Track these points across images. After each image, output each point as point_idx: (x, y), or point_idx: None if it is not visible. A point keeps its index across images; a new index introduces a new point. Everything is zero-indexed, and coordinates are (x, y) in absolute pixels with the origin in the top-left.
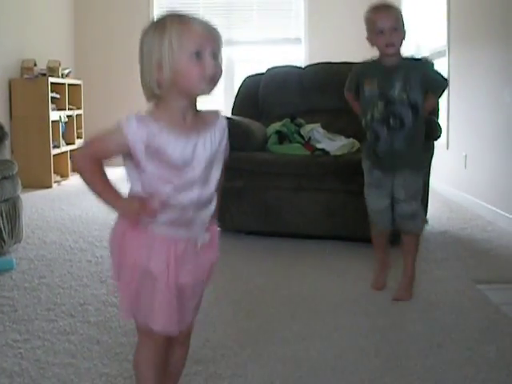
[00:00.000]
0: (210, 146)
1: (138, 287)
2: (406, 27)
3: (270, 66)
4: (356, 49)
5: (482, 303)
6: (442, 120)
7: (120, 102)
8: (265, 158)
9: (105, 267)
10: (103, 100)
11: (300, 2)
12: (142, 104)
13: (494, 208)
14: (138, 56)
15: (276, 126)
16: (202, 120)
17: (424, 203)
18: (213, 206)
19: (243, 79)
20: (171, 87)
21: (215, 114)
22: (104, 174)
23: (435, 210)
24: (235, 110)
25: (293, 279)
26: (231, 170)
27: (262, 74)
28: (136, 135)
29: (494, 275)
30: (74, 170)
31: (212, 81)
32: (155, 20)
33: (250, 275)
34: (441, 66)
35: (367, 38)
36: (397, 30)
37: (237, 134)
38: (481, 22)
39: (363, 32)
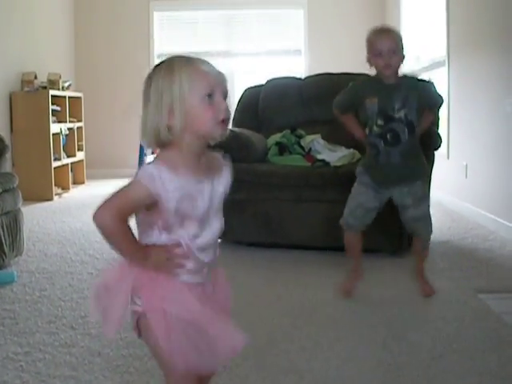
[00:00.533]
0: (221, 188)
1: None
2: (405, 51)
3: (269, 78)
4: (355, 60)
5: (484, 313)
6: (442, 130)
7: (120, 115)
8: (265, 170)
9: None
10: (104, 112)
11: (299, 13)
12: (139, 115)
13: (495, 217)
14: (141, 95)
15: (276, 137)
16: (211, 163)
17: None
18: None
19: (243, 91)
20: (182, 132)
21: (219, 158)
22: (131, 233)
23: (436, 220)
24: (235, 121)
25: (294, 290)
26: (232, 181)
27: (262, 85)
28: (167, 186)
29: (495, 284)
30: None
31: (225, 123)
32: (161, 63)
33: (251, 286)
34: (440, 76)
35: (367, 58)
36: (395, 52)
37: (237, 145)
38: (480, 32)
39: (362, 44)
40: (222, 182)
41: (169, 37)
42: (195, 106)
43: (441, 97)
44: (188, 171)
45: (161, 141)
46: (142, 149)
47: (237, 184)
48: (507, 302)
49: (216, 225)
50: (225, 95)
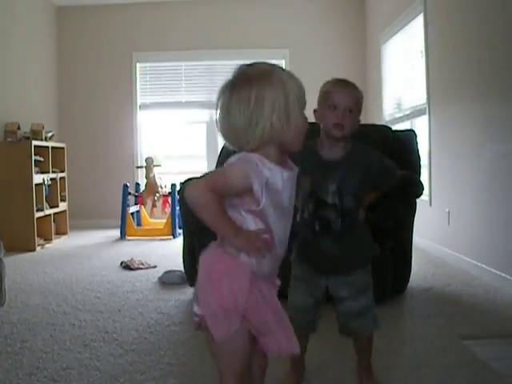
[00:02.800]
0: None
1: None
2: (361, 116)
3: None
4: None
5: (469, 359)
6: (424, 177)
7: (103, 165)
8: None
9: (88, 331)
10: (86, 163)
11: (281, 63)
12: (125, 166)
13: (478, 263)
14: (224, 107)
15: None
16: (287, 164)
17: (409, 260)
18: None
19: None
20: (282, 133)
21: (290, 161)
22: (224, 208)
23: (419, 267)
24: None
25: None
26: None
27: None
28: (266, 174)
29: (480, 330)
30: (186, 202)
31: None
32: (267, 72)
33: None
34: (421, 124)
35: (314, 112)
36: (352, 112)
37: None
38: (459, 80)
39: None
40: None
41: (151, 87)
42: (301, 117)
43: (395, 177)
44: (278, 166)
45: (264, 139)
46: (125, 189)
47: None
48: (493, 348)
49: (290, 221)
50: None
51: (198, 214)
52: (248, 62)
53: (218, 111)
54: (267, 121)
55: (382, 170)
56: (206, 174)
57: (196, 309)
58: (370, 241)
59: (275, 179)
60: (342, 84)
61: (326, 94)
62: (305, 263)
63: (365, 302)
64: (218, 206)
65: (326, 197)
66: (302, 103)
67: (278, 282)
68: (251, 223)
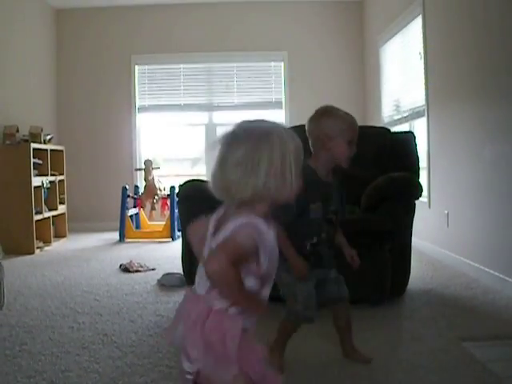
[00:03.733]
0: None
1: None
2: (360, 117)
3: None
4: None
5: (468, 361)
6: (423, 179)
7: (102, 167)
8: None
9: (87, 333)
10: (85, 165)
11: (280, 66)
12: (124, 169)
13: (477, 265)
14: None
15: None
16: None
17: (408, 262)
18: None
19: None
20: (269, 197)
21: None
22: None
23: (418, 269)
24: None
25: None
26: None
27: None
28: (265, 241)
29: (479, 332)
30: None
31: None
32: (267, 131)
33: None
34: (420, 126)
35: (324, 140)
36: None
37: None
38: (458, 81)
39: (344, 95)
40: None
41: (150, 90)
42: (293, 176)
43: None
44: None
45: (255, 197)
46: (124, 192)
47: None
48: (492, 350)
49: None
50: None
51: (224, 291)
52: (247, 64)
53: (215, 160)
54: (260, 180)
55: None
56: (221, 244)
57: (187, 366)
58: None
59: (272, 242)
60: (354, 121)
61: (348, 130)
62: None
63: (337, 273)
64: (240, 281)
65: (329, 216)
66: (299, 164)
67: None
68: (251, 282)
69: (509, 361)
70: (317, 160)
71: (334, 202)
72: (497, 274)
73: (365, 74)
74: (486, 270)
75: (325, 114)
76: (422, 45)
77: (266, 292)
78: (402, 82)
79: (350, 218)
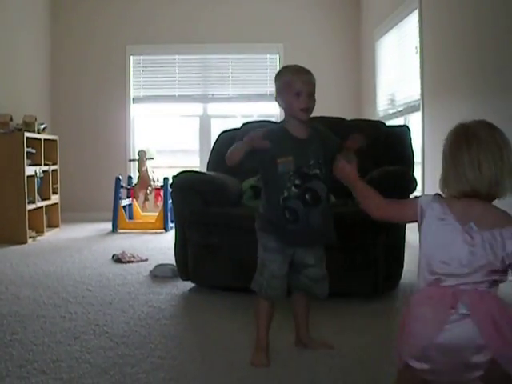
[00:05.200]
0: None
1: None
2: (355, 111)
3: (245, 122)
4: (330, 104)
5: None
6: (417, 173)
7: (96, 158)
8: (239, 213)
9: (79, 323)
10: (79, 155)
11: (275, 58)
12: (117, 159)
13: None
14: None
15: (251, 180)
16: None
17: (401, 256)
18: None
19: (218, 134)
20: None
21: None
22: None
23: (412, 264)
24: (210, 165)
25: (270, 335)
26: (206, 225)
27: (238, 129)
28: None
29: None
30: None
31: None
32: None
33: (226, 332)
34: (415, 120)
35: (276, 99)
36: (312, 96)
37: (211, 189)
38: (453, 77)
39: (339, 89)
40: None
41: (145, 81)
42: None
43: (337, 141)
44: None
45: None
46: (117, 182)
47: (211, 228)
48: None
49: None
50: None
51: None
52: (242, 56)
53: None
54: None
55: (333, 140)
56: None
57: (476, 358)
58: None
59: None
60: (303, 72)
61: (289, 84)
62: (277, 237)
63: (325, 270)
64: None
65: (309, 171)
66: None
67: None
68: None
69: None
70: (286, 120)
71: (312, 157)
72: None
73: (360, 67)
74: None
75: (277, 73)
76: (418, 39)
77: None
78: (398, 76)
79: (344, 210)
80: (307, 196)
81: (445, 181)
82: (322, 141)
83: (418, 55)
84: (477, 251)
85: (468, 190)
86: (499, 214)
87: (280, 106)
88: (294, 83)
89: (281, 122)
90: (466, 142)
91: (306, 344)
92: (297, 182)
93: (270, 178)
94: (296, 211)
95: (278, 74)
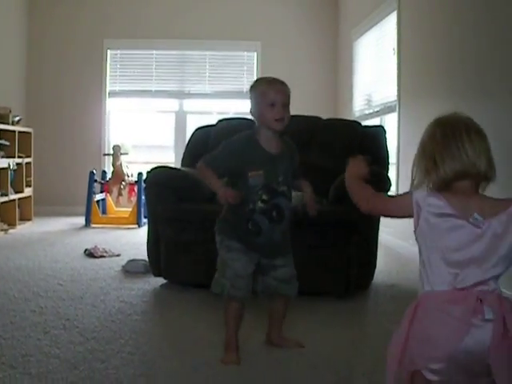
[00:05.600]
0: None
1: None
2: (332, 111)
3: (220, 118)
4: (307, 102)
5: None
6: (391, 173)
7: (70, 151)
8: (213, 210)
9: (49, 318)
10: (53, 149)
11: (253, 56)
12: (92, 153)
13: None
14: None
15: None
16: None
17: (374, 256)
18: None
19: (193, 131)
20: None
21: None
22: None
23: (384, 264)
24: (185, 161)
25: (240, 332)
26: (180, 221)
27: (213, 125)
28: None
29: None
30: None
31: None
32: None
33: (197, 329)
34: (391, 121)
35: (251, 110)
36: (287, 106)
37: (185, 185)
38: (430, 78)
39: (316, 88)
40: None
41: (122, 75)
42: None
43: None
44: None
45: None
46: (91, 177)
47: (185, 224)
48: None
49: None
50: None
51: None
52: (220, 53)
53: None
54: None
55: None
56: None
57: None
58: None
59: None
60: (277, 82)
61: (263, 94)
62: (236, 240)
63: (294, 269)
64: None
65: (277, 187)
66: None
67: None
68: None
69: None
70: (258, 131)
71: (281, 173)
72: None
73: (338, 67)
74: None
75: (251, 85)
76: (396, 40)
77: None
78: (375, 76)
79: (318, 209)
80: (274, 213)
81: (430, 170)
82: (291, 156)
83: (395, 56)
84: (487, 242)
85: (467, 166)
86: (496, 200)
87: (254, 116)
88: (268, 93)
89: (252, 130)
90: (464, 127)
91: (277, 344)
92: (264, 197)
93: (239, 188)
94: (260, 225)
95: (252, 85)
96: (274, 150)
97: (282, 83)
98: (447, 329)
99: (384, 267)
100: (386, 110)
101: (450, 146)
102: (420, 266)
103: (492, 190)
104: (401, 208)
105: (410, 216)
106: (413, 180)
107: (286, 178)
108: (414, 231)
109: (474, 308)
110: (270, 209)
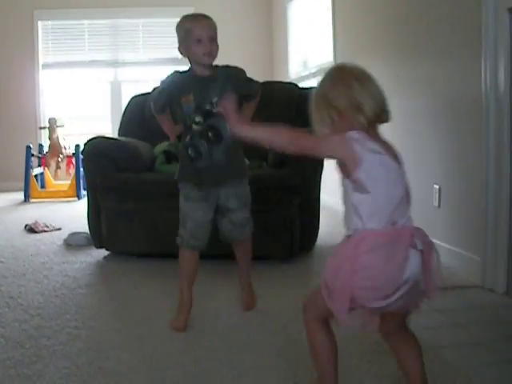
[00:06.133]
0: None
1: None
2: (268, 74)
3: (156, 86)
4: (244, 66)
5: None
6: None
7: (4, 126)
8: (153, 179)
9: None
10: None
11: None
12: (27, 127)
13: None
14: None
15: (164, 145)
16: None
17: (316, 218)
18: None
19: (129, 99)
20: None
21: None
22: None
23: (326, 225)
24: (122, 130)
25: (195, 301)
26: (120, 191)
27: (149, 93)
28: None
29: None
30: None
31: None
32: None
33: (142, 299)
34: None
35: (179, 48)
36: (214, 40)
37: (124, 155)
38: (365, 38)
39: (251, 51)
40: None
41: (54, 46)
42: None
43: (256, 82)
44: None
45: None
46: (28, 151)
47: (125, 194)
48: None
49: None
50: None
51: None
52: (153, 20)
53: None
54: None
55: (247, 80)
56: None
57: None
58: (245, 159)
59: None
60: (201, 18)
61: (189, 31)
62: (191, 183)
63: (248, 212)
64: None
65: (211, 107)
66: None
67: None
68: None
69: (439, 328)
70: (192, 68)
71: (215, 94)
72: None
73: (272, 29)
74: None
75: (177, 24)
76: (330, 1)
77: None
78: (310, 37)
79: (258, 172)
80: (210, 134)
81: (352, 113)
82: (230, 79)
83: (330, 16)
84: (403, 180)
85: (382, 108)
86: (386, 141)
87: (183, 55)
88: (193, 30)
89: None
90: (367, 73)
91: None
92: (197, 119)
93: (179, 119)
94: (199, 149)
95: (177, 23)
96: (206, 74)
97: (207, 17)
98: (392, 265)
99: (327, 228)
100: (322, 71)
101: (367, 89)
102: (350, 206)
103: None
104: (331, 149)
105: (332, 157)
106: (319, 126)
107: (222, 97)
108: (347, 174)
109: (410, 243)
110: (206, 130)
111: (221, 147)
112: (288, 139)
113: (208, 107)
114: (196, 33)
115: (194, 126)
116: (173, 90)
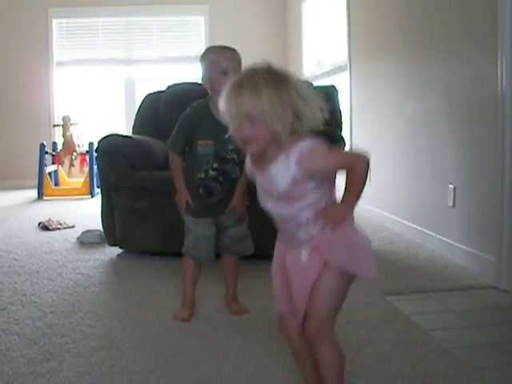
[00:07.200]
0: None
1: None
2: None
3: (170, 84)
4: None
5: (393, 315)
6: (345, 133)
7: (19, 124)
8: (166, 177)
9: (5, 294)
10: (2, 122)
11: (201, 20)
12: (41, 125)
13: (399, 219)
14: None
15: None
16: None
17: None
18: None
19: (143, 97)
20: None
21: None
22: None
23: None
24: (136, 128)
25: (199, 299)
26: (134, 189)
27: (163, 91)
28: None
29: (402, 286)
30: None
31: None
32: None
33: (155, 297)
34: (342, 81)
35: (203, 80)
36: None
37: (138, 153)
38: (380, 37)
39: (265, 51)
40: None
41: (68, 44)
42: None
43: None
44: None
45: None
46: (42, 148)
47: (139, 192)
48: (415, 303)
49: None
50: None
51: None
52: (167, 18)
53: None
54: None
55: None
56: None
57: None
58: None
59: None
60: (227, 50)
61: (214, 63)
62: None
63: (245, 228)
64: None
65: (227, 155)
66: None
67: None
68: None
69: (432, 314)
70: (211, 100)
71: (231, 142)
72: (419, 228)
73: (287, 28)
74: (409, 223)
75: (201, 55)
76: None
77: None
78: (325, 36)
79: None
80: (221, 178)
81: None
82: None
83: (345, 15)
84: None
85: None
86: None
87: (206, 86)
88: (219, 62)
89: (205, 99)
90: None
91: (226, 305)
92: (215, 165)
93: (190, 155)
94: (211, 190)
95: (202, 54)
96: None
97: (232, 50)
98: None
99: None
100: (337, 70)
101: (306, 102)
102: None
103: None
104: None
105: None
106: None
107: (237, 147)
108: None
109: None
110: (219, 174)
111: (229, 185)
112: (362, 172)
113: (224, 154)
114: (222, 65)
115: (211, 172)
116: (193, 130)
